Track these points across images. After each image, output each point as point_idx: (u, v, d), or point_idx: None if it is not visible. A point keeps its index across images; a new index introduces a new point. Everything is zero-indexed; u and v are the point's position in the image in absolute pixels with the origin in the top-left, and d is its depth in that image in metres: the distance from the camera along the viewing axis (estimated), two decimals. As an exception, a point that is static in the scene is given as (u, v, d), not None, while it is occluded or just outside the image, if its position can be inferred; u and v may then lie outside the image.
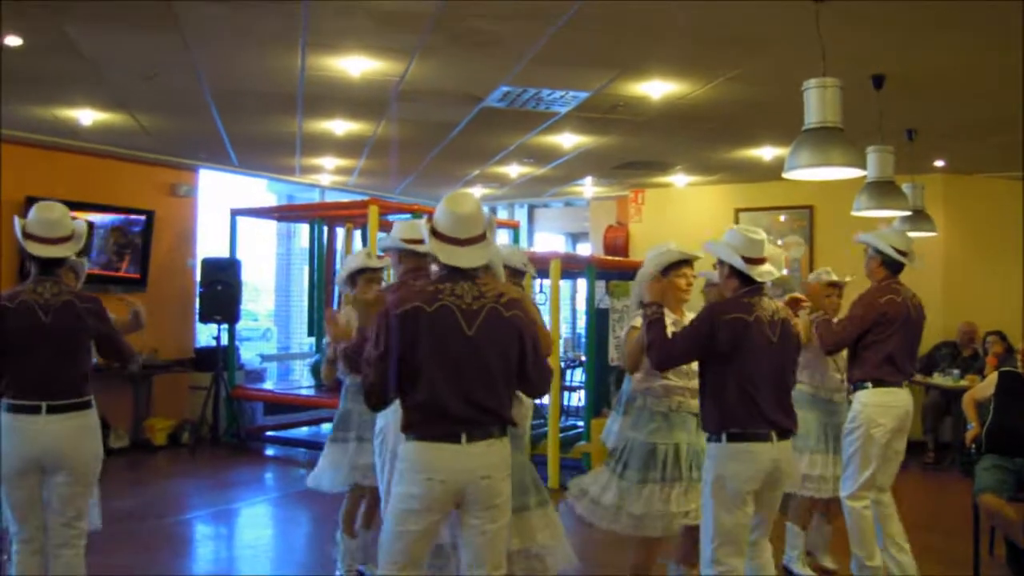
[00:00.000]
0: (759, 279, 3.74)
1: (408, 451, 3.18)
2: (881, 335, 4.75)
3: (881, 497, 4.88)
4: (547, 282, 8.21)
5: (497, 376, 3.21)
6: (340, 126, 7.75)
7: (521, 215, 13.37)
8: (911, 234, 7.45)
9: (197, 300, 9.62)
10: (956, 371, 8.75)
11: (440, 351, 3.12)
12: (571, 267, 8.64)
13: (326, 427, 7.89)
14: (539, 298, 8.92)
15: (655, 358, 3.75)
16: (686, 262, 4.14)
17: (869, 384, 4.77)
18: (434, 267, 3.66)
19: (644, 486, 4.02)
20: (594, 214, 12.37)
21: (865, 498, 4.80)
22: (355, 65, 5.80)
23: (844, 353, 5.02)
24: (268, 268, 13.44)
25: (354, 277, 4.67)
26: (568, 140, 8.21)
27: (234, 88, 6.56)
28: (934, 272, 9.57)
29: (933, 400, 9.04)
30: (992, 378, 5.62)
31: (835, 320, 5.00)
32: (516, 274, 5.42)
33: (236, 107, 7.16)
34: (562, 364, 9.59)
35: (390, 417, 3.95)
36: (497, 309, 3.20)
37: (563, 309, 10.11)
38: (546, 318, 8.36)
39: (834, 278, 5.26)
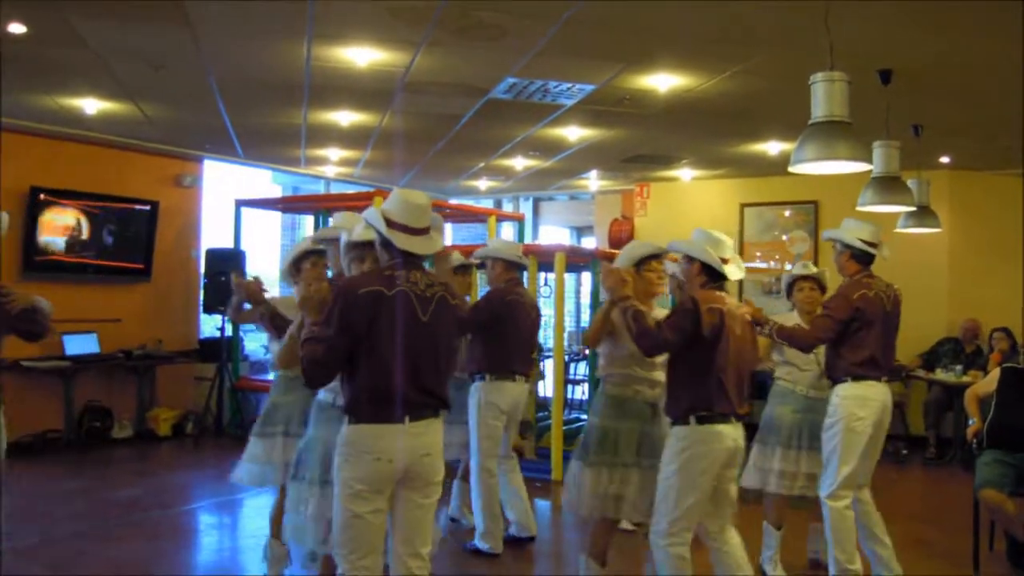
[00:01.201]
0: (730, 277, 4.02)
1: (352, 434, 3.28)
2: (858, 333, 4.70)
3: (860, 495, 4.83)
4: (551, 275, 8.22)
5: (442, 360, 3.42)
6: (345, 117, 7.74)
7: (526, 208, 13.37)
8: (916, 230, 7.50)
9: (201, 291, 9.65)
10: (959, 367, 8.76)
11: (396, 335, 3.25)
12: (576, 260, 8.64)
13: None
14: (543, 291, 8.94)
15: (646, 346, 3.92)
16: (656, 256, 4.37)
17: (848, 379, 4.73)
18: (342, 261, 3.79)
19: (591, 468, 4.24)
20: (599, 208, 12.37)
21: (845, 497, 4.71)
22: (361, 56, 5.80)
23: (822, 348, 4.95)
24: (272, 259, 13.46)
25: (299, 263, 4.56)
26: (574, 133, 8.21)
27: (240, 78, 6.56)
28: (939, 268, 9.59)
29: (935, 396, 9.05)
30: (994, 374, 5.62)
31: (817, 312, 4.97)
32: (511, 267, 5.48)
33: (241, 98, 7.17)
34: (566, 357, 9.60)
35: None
36: (446, 297, 3.43)
37: (567, 302, 10.12)
38: (550, 311, 8.39)
39: (810, 271, 5.26)
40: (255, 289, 4.44)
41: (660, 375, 4.26)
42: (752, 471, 5.11)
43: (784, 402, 5.14)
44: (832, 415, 4.73)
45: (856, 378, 4.70)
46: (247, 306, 4.65)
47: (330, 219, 4.65)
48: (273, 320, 4.34)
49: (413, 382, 3.29)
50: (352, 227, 4.15)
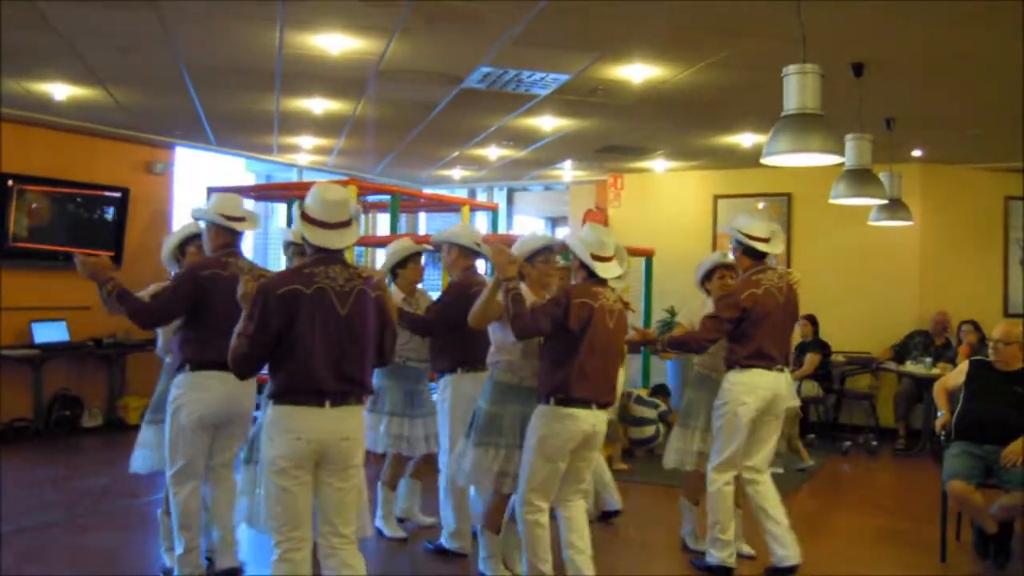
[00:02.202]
0: (601, 274, 4.30)
1: (275, 414, 3.48)
2: (747, 329, 4.89)
3: (757, 477, 4.99)
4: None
5: (364, 350, 3.57)
6: (318, 105, 7.68)
7: (501, 198, 13.35)
8: (888, 223, 7.56)
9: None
10: (929, 359, 8.82)
11: (316, 329, 3.42)
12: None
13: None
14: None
15: (518, 328, 4.14)
16: (548, 249, 4.59)
17: (736, 367, 4.94)
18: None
19: (479, 448, 4.49)
20: (573, 198, 12.38)
21: (727, 473, 4.95)
22: (334, 43, 5.75)
23: None
24: (245, 247, 13.36)
25: (184, 247, 4.80)
26: (548, 123, 8.19)
27: (211, 64, 6.49)
28: (910, 261, 9.67)
29: (905, 388, 9.13)
30: (963, 366, 5.68)
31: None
32: (469, 253, 5.33)
33: (213, 84, 7.09)
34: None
35: (182, 391, 4.39)
36: (365, 290, 3.56)
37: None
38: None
39: (730, 260, 5.33)
40: (101, 264, 4.30)
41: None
42: (671, 453, 5.34)
43: (701, 388, 5.31)
44: (720, 397, 4.97)
45: (743, 367, 4.91)
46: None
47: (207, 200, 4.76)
48: (121, 300, 4.22)
49: (334, 373, 3.46)
50: (226, 209, 4.52)
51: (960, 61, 5.82)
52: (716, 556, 4.95)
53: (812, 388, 9.06)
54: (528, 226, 13.77)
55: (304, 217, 3.51)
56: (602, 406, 4.33)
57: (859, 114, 6.08)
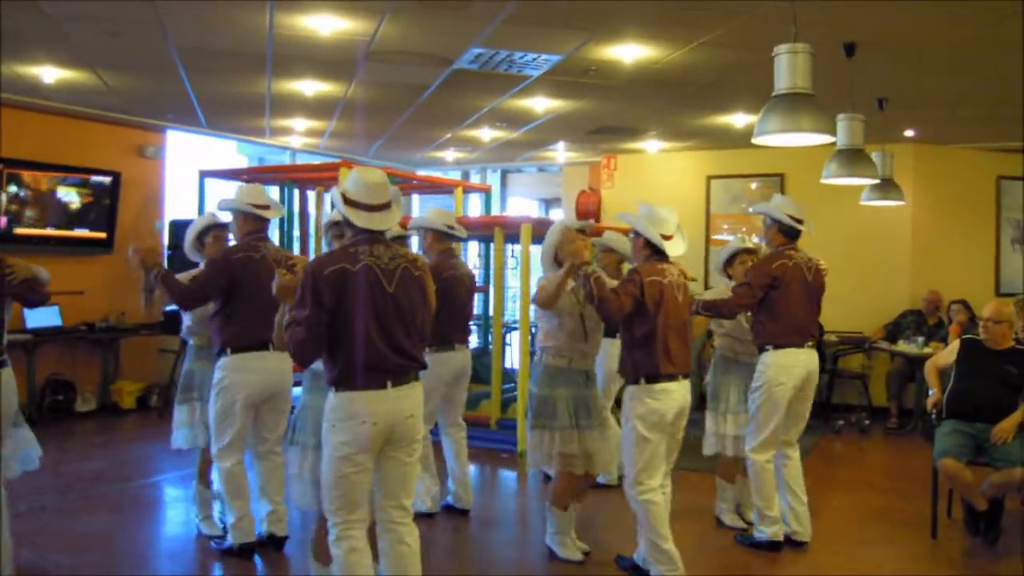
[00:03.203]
0: (668, 252, 4.41)
1: (339, 402, 3.50)
2: (777, 301, 5.00)
3: (788, 452, 5.18)
4: (518, 247, 8.20)
5: (413, 326, 3.62)
6: (310, 87, 7.65)
7: (494, 180, 13.33)
8: (880, 203, 7.58)
9: (166, 262, 9.51)
10: (921, 339, 8.86)
11: (366, 307, 3.46)
12: (542, 232, 8.61)
13: (296, 391, 7.86)
14: (510, 263, 8.91)
15: (605, 310, 4.33)
16: (581, 231, 4.72)
17: (771, 347, 5.03)
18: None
19: (535, 430, 4.69)
20: (567, 179, 12.36)
21: (767, 452, 5.08)
22: (324, 24, 5.72)
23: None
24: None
25: (202, 237, 5.09)
26: (541, 104, 8.17)
27: (201, 47, 6.45)
28: (902, 241, 9.68)
29: (897, 367, 9.17)
30: (954, 345, 5.70)
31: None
32: (444, 237, 5.48)
33: (204, 66, 7.05)
34: (533, 329, 9.59)
35: (226, 373, 4.69)
36: (409, 269, 3.62)
37: (534, 274, 10.10)
38: (517, 283, 8.38)
39: (748, 245, 5.61)
40: (150, 251, 4.73)
41: (591, 347, 4.75)
42: (709, 438, 5.49)
43: (728, 371, 5.46)
44: (757, 379, 5.06)
45: (778, 346, 5.01)
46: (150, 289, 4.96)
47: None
48: (166, 282, 4.66)
49: (391, 349, 3.50)
50: (253, 199, 4.81)
51: (953, 41, 5.80)
52: (765, 532, 5.11)
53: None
54: (522, 207, 13.77)
55: (346, 200, 3.55)
56: (685, 376, 4.46)
57: (851, 94, 6.07)
